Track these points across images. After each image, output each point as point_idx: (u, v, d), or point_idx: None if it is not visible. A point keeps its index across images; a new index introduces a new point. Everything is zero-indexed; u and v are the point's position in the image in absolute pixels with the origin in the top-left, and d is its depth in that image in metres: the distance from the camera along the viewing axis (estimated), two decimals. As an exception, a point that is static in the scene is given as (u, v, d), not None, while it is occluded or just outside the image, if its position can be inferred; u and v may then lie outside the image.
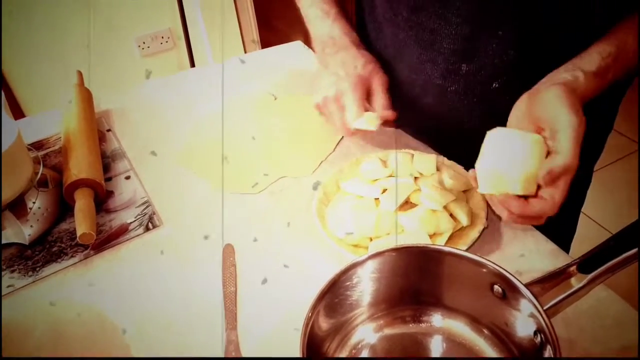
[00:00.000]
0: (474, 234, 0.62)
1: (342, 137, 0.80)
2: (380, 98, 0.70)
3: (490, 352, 0.51)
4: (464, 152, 0.63)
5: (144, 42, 2.02)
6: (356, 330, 0.54)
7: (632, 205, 1.79)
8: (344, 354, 0.52)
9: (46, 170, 0.75)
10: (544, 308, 0.45)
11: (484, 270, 0.49)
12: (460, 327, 0.53)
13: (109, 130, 0.88)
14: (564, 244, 0.81)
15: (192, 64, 2.10)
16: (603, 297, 0.56)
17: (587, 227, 1.76)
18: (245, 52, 2.22)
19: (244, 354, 0.55)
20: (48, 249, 0.68)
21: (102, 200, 0.74)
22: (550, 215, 0.54)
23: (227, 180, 0.76)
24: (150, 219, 0.71)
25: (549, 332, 0.43)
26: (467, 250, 0.60)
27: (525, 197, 0.54)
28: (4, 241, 0.68)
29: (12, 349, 0.57)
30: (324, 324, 0.50)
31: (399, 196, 0.64)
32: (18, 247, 0.68)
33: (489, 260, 0.49)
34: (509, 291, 0.48)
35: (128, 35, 1.99)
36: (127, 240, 0.69)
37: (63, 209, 0.73)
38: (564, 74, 0.55)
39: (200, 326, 0.58)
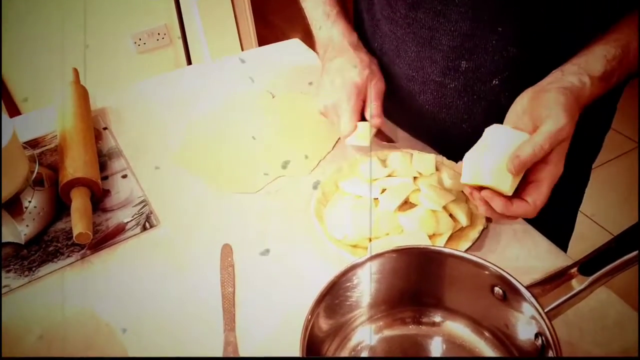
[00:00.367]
0: (473, 234, 0.62)
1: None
2: (371, 107, 0.71)
3: (491, 354, 0.51)
4: (463, 151, 0.63)
5: (140, 39, 2.01)
6: (356, 332, 0.53)
7: (629, 204, 1.80)
8: (343, 356, 0.52)
9: (42, 169, 0.74)
10: (545, 310, 0.44)
11: (485, 272, 0.49)
12: (460, 329, 0.53)
13: (105, 129, 0.87)
14: (562, 242, 0.81)
15: (189, 61, 2.09)
16: (603, 299, 0.56)
17: (585, 225, 1.77)
18: (243, 50, 2.21)
19: (243, 356, 0.55)
20: (44, 248, 0.67)
21: (99, 199, 0.73)
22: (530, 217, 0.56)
23: (225, 180, 0.76)
24: (147, 219, 0.71)
25: (551, 334, 0.42)
26: (466, 250, 0.60)
27: (509, 198, 0.55)
28: (-1, 241, 0.67)
29: (8, 350, 0.57)
30: (323, 325, 0.50)
31: (398, 196, 0.64)
32: (14, 246, 0.68)
33: (489, 262, 0.49)
34: (509, 293, 0.48)
35: (124, 31, 1.98)
36: (124, 240, 0.68)
37: (59, 208, 0.72)
38: (571, 77, 0.55)
39: (198, 327, 0.58)
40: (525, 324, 0.47)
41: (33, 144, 0.83)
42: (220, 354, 0.55)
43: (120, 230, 0.69)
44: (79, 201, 0.68)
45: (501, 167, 0.54)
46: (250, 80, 0.95)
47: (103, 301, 0.61)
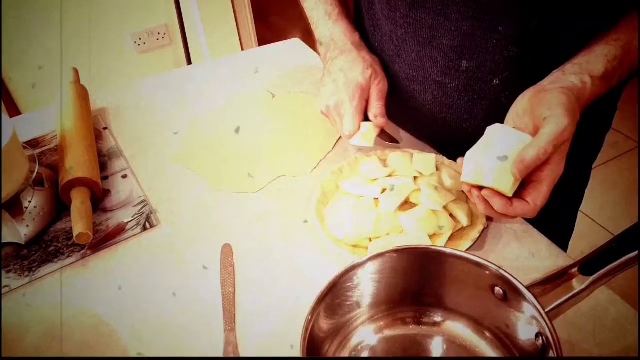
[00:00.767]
0: (474, 234, 0.62)
1: (341, 136, 0.80)
2: (374, 107, 0.71)
3: (491, 354, 0.51)
4: (464, 151, 0.63)
5: (140, 38, 2.01)
6: (356, 332, 0.53)
7: (628, 203, 1.80)
8: (344, 356, 0.52)
9: (42, 169, 0.74)
10: (546, 310, 0.44)
11: (485, 272, 0.49)
12: (461, 329, 0.53)
13: (105, 129, 0.87)
14: (562, 242, 0.81)
15: (189, 61, 2.09)
16: (604, 299, 0.56)
17: (585, 224, 1.77)
18: (243, 49, 2.21)
19: (243, 356, 0.55)
20: (44, 248, 0.67)
21: (99, 199, 0.73)
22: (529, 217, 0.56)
23: (225, 180, 0.76)
24: (148, 219, 0.71)
25: (551, 334, 0.42)
26: (467, 250, 0.60)
27: (509, 198, 0.55)
28: (-1, 241, 0.67)
29: (9, 350, 0.57)
30: (324, 325, 0.49)
31: (399, 196, 0.64)
32: (14, 246, 0.68)
33: (490, 262, 0.49)
34: (510, 293, 0.48)
35: (124, 31, 1.97)
36: (125, 240, 0.68)
37: (59, 208, 0.72)
38: (572, 77, 0.55)
39: (198, 327, 0.58)
40: (526, 324, 0.47)
41: (33, 143, 0.83)
42: (220, 354, 0.55)
43: (120, 230, 0.69)
44: (79, 201, 0.68)
45: (502, 168, 0.54)
46: (255, 70, 0.95)
47: (103, 301, 0.61)
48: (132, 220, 0.70)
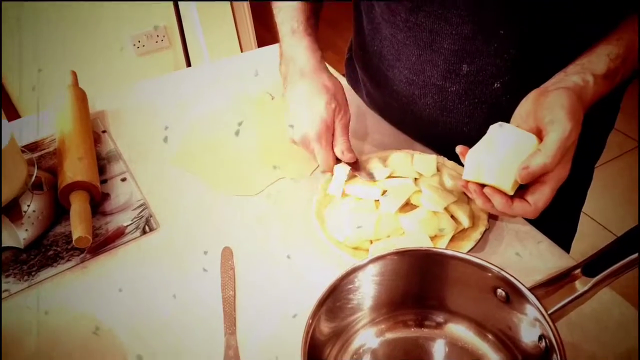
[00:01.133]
0: (475, 235, 0.62)
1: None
2: (340, 143, 0.69)
3: (494, 356, 0.50)
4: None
5: (139, 41, 2.01)
6: (358, 335, 0.53)
7: (630, 203, 1.79)
8: (345, 359, 0.52)
9: (41, 173, 0.74)
10: (549, 312, 0.44)
11: (487, 273, 0.48)
12: (463, 332, 0.52)
13: (104, 132, 0.86)
14: (565, 243, 0.80)
15: (188, 63, 2.09)
16: (607, 300, 0.56)
17: (586, 224, 1.77)
18: (242, 51, 2.21)
19: (244, 359, 0.55)
20: (43, 252, 0.67)
21: (98, 202, 0.73)
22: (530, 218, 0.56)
23: (224, 182, 0.75)
24: (147, 222, 0.70)
25: (555, 337, 0.42)
26: (468, 252, 0.60)
27: (511, 197, 0.55)
28: (-2, 245, 0.67)
29: (9, 355, 0.56)
30: (325, 328, 0.49)
31: (400, 198, 0.64)
32: (13, 251, 0.67)
33: (492, 264, 0.48)
34: (512, 295, 0.47)
35: (123, 34, 1.97)
36: (124, 243, 0.68)
37: (58, 212, 0.72)
38: (574, 77, 0.55)
39: (199, 331, 0.58)
40: (529, 326, 0.46)
41: (32, 147, 0.83)
42: (221, 357, 0.54)
43: (119, 233, 0.69)
44: (78, 205, 0.68)
45: (504, 166, 0.53)
46: (255, 73, 0.95)
47: (103, 305, 0.61)
48: (131, 224, 0.70)
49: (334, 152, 0.69)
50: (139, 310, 0.60)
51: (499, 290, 0.48)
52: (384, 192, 0.65)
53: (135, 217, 0.71)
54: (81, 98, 0.86)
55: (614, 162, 2.01)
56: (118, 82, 1.99)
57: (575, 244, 0.85)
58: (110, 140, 0.85)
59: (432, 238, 0.61)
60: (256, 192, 0.73)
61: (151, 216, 0.71)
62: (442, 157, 0.71)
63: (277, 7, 0.78)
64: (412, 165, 0.69)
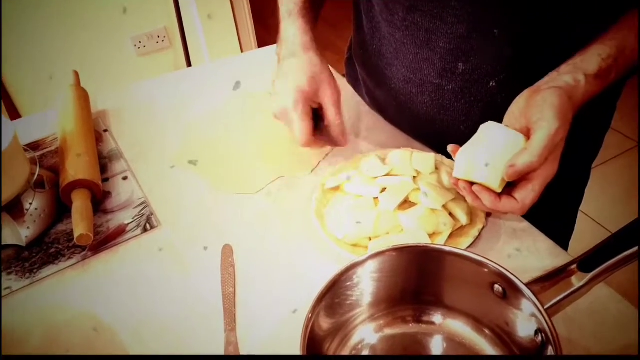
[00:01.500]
0: (473, 232, 0.62)
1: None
2: (330, 113, 0.68)
3: (491, 351, 0.51)
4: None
5: (140, 42, 2.02)
6: (356, 331, 0.54)
7: (629, 203, 1.80)
8: (344, 354, 0.52)
9: (43, 171, 0.74)
10: (545, 307, 0.44)
11: (484, 269, 0.49)
12: (460, 327, 0.53)
13: (105, 131, 0.87)
14: (563, 241, 0.81)
15: (189, 64, 2.09)
16: (603, 296, 0.56)
17: (585, 224, 1.77)
18: (242, 51, 2.22)
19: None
20: (45, 250, 0.68)
21: (100, 201, 0.73)
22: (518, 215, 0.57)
23: (225, 181, 0.76)
24: (148, 220, 0.71)
25: (550, 331, 0.43)
26: (466, 249, 0.60)
27: (499, 194, 0.56)
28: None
29: (9, 352, 0.57)
30: (324, 324, 0.50)
31: (398, 195, 0.64)
32: (15, 248, 0.68)
33: (489, 260, 0.49)
34: (509, 290, 0.48)
35: (124, 34, 1.98)
36: (125, 241, 0.68)
37: (60, 210, 0.72)
38: (566, 76, 0.56)
39: (199, 327, 0.58)
40: (525, 321, 0.47)
41: (34, 146, 0.84)
42: (221, 354, 0.55)
43: (121, 231, 0.70)
44: (79, 203, 0.68)
45: (492, 165, 0.55)
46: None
47: (104, 302, 0.61)
48: (132, 222, 0.71)
49: (311, 124, 0.67)
50: (139, 307, 0.61)
51: (496, 286, 0.49)
52: (383, 189, 0.66)
53: (136, 215, 0.72)
54: (83, 97, 0.86)
55: (613, 161, 2.01)
56: (119, 82, 1.99)
57: (575, 244, 0.85)
58: (112, 139, 0.85)
59: (431, 235, 0.62)
60: (256, 191, 0.74)
61: (152, 214, 0.72)
62: (440, 155, 0.72)
63: None
64: (410, 163, 0.69)
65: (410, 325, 0.54)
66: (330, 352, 0.51)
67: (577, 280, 0.47)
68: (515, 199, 0.55)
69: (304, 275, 0.62)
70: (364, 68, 0.85)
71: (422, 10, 0.66)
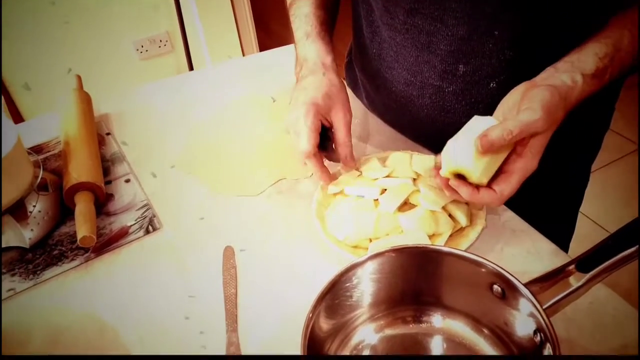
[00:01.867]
0: (473, 234, 0.63)
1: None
2: (343, 145, 0.68)
3: (490, 351, 0.51)
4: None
5: (142, 46, 2.03)
6: (357, 331, 0.54)
7: (630, 205, 1.80)
8: (345, 354, 0.52)
9: (46, 174, 0.75)
10: (544, 307, 0.45)
11: (483, 270, 0.49)
12: (460, 327, 0.53)
13: (108, 134, 0.88)
14: (563, 243, 0.81)
15: (191, 67, 2.10)
16: (602, 296, 0.57)
17: (586, 227, 1.77)
18: (244, 55, 2.23)
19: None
20: (49, 252, 0.68)
21: (102, 203, 0.74)
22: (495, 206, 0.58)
23: (226, 183, 0.77)
24: (151, 222, 0.71)
25: (549, 330, 0.43)
26: (466, 250, 0.60)
27: (477, 187, 0.57)
28: (4, 245, 0.68)
29: (12, 353, 0.57)
30: (324, 325, 0.50)
31: (398, 197, 0.65)
32: (19, 250, 0.68)
33: (488, 260, 0.49)
34: (508, 291, 0.48)
35: (126, 39, 1.99)
36: (128, 243, 0.69)
37: (63, 212, 0.73)
38: (564, 75, 0.56)
39: (201, 328, 0.58)
40: (524, 321, 0.47)
41: (37, 149, 0.84)
42: (223, 354, 0.55)
43: (123, 233, 0.70)
44: (82, 205, 0.69)
45: (470, 150, 0.55)
46: (256, 75, 0.96)
47: (107, 304, 0.62)
48: (135, 224, 0.71)
49: (317, 139, 0.66)
50: (142, 308, 0.61)
51: (495, 286, 0.49)
52: (383, 191, 0.66)
53: (138, 217, 0.72)
54: (86, 101, 0.87)
55: (614, 164, 2.01)
56: (122, 86, 2.00)
57: (577, 247, 0.85)
58: (114, 142, 0.86)
59: (431, 237, 0.62)
60: (258, 193, 0.75)
61: (154, 216, 0.72)
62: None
63: (293, 15, 0.79)
64: (410, 166, 0.70)
65: (411, 325, 0.55)
66: (331, 353, 0.51)
67: (576, 281, 0.47)
68: (494, 190, 0.56)
69: (304, 277, 0.63)
70: (363, 72, 0.85)
71: (422, 13, 0.66)
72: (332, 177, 0.69)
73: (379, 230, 0.63)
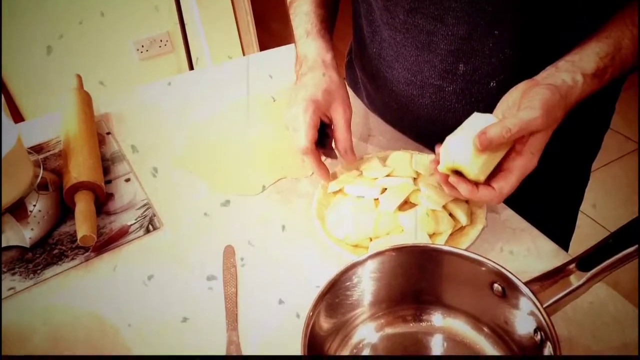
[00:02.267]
0: (473, 233, 0.63)
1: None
2: (343, 139, 0.67)
3: (491, 350, 0.51)
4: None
5: (142, 46, 2.03)
6: (357, 330, 0.54)
7: (631, 205, 1.80)
8: (345, 354, 0.52)
9: (46, 174, 0.75)
10: (544, 306, 0.45)
11: (484, 268, 0.49)
12: (460, 326, 0.53)
13: (108, 133, 0.88)
14: (563, 242, 0.81)
15: (191, 67, 2.10)
16: (603, 295, 0.57)
17: (587, 226, 1.77)
18: (244, 55, 2.23)
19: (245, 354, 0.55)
20: (49, 251, 0.68)
21: (103, 202, 0.74)
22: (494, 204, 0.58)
23: (226, 182, 0.77)
24: (151, 221, 0.71)
25: (549, 329, 0.43)
26: (466, 249, 0.60)
27: (476, 184, 0.57)
28: (4, 244, 0.68)
29: (12, 352, 0.57)
30: (324, 324, 0.50)
31: (398, 196, 0.65)
32: (19, 249, 0.68)
33: (488, 259, 0.49)
34: (508, 289, 0.48)
35: (127, 38, 1.99)
36: (128, 242, 0.69)
37: (63, 211, 0.73)
38: (564, 74, 0.56)
39: (201, 327, 0.59)
40: (525, 320, 0.47)
41: (37, 149, 0.85)
42: (223, 353, 0.55)
43: (123, 232, 0.70)
44: (83, 204, 0.69)
45: (469, 146, 0.55)
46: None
47: (107, 303, 0.62)
48: (135, 223, 0.71)
49: (315, 134, 0.66)
50: (142, 307, 0.61)
51: (496, 285, 0.49)
52: (384, 190, 0.66)
53: (139, 217, 0.72)
54: (86, 101, 0.87)
55: (615, 163, 2.01)
56: (122, 86, 2.00)
57: (577, 246, 0.85)
58: (114, 141, 0.86)
59: (431, 236, 0.62)
60: (258, 192, 0.75)
61: (154, 215, 0.72)
62: (440, 156, 0.72)
63: (293, 14, 0.79)
64: (411, 165, 0.70)
65: (411, 324, 0.54)
66: (331, 352, 0.51)
67: (576, 279, 0.47)
68: (493, 188, 0.56)
69: (305, 276, 0.63)
70: (363, 71, 0.85)
71: (422, 12, 0.66)
72: (329, 174, 0.69)
73: (379, 230, 0.63)
